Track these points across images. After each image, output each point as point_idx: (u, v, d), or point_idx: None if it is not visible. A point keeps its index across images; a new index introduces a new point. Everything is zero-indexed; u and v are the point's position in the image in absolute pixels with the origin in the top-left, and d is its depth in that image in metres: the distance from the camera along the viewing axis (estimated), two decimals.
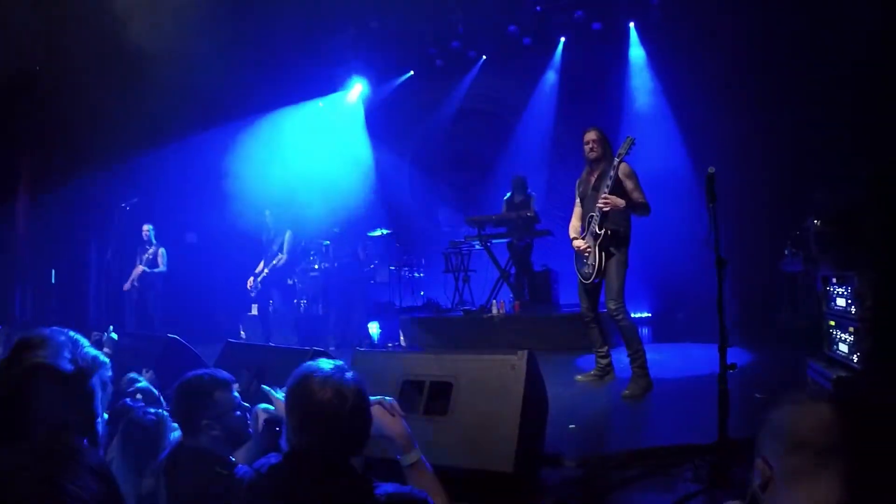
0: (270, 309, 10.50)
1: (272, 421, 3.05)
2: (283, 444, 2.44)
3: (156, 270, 10.83)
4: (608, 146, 6.61)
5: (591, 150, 6.58)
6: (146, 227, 11.02)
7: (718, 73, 10.15)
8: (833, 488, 1.51)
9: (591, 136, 6.61)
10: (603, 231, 6.31)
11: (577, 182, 6.89)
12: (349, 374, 2.31)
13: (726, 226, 4.54)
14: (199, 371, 3.17)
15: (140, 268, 10.67)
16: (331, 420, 2.20)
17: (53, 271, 11.08)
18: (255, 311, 11.57)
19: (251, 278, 10.12)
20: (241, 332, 11.46)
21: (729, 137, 9.58)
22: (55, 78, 11.29)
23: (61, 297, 11.16)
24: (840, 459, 1.52)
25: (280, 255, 9.79)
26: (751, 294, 8.83)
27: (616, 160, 6.29)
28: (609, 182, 6.26)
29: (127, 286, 10.76)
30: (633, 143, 6.26)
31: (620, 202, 6.17)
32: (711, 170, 4.14)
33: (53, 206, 12.10)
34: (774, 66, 9.67)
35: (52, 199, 12.18)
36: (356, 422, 2.27)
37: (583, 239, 6.59)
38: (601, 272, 6.39)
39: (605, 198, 6.20)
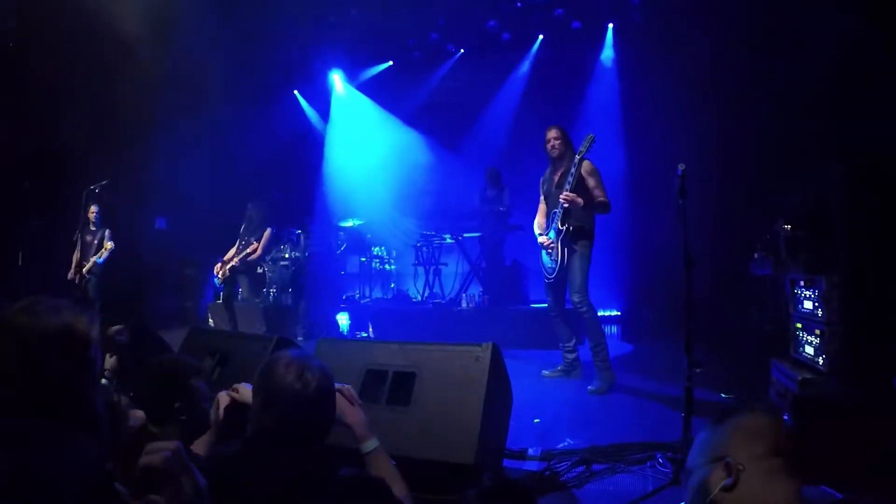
0: (239, 297, 10.40)
1: (233, 407, 3.01)
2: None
3: (100, 260, 10.43)
4: (570, 144, 6.70)
5: (553, 147, 6.67)
6: (92, 208, 10.65)
7: (691, 75, 10.18)
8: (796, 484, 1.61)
9: (552, 133, 6.70)
10: (565, 227, 6.38)
11: (542, 180, 6.98)
12: (315, 361, 2.35)
13: (696, 227, 4.56)
14: (173, 355, 3.13)
15: (92, 260, 10.34)
16: (293, 401, 2.23)
17: (20, 253, 10.86)
18: (221, 299, 11.48)
19: (218, 265, 9.92)
20: (210, 320, 11.34)
21: (701, 140, 9.59)
22: (30, 52, 11.13)
23: (31, 280, 10.95)
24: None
25: (255, 246, 9.63)
26: (719, 296, 8.86)
27: (577, 157, 6.37)
28: (570, 179, 6.34)
29: (72, 276, 10.47)
30: (593, 141, 6.35)
31: (580, 200, 6.25)
32: (682, 167, 4.15)
33: (21, 186, 11.94)
34: (745, 68, 9.73)
35: (21, 176, 12.01)
36: (320, 405, 2.30)
37: (546, 236, 6.65)
38: (564, 268, 6.46)
39: (565, 195, 6.27)
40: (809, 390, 4.37)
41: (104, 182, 10.08)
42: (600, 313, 11.62)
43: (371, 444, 2.67)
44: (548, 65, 12.91)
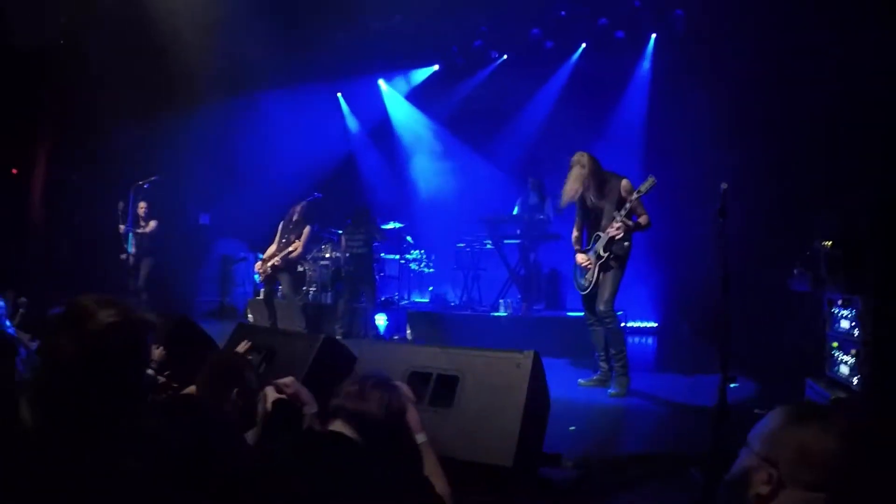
0: (279, 294, 10.57)
1: (281, 403, 3.16)
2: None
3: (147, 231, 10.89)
4: (599, 167, 6.77)
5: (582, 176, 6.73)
6: (142, 204, 11.00)
7: (730, 89, 10.20)
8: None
9: (577, 159, 6.82)
10: (607, 254, 6.59)
11: (580, 196, 6.93)
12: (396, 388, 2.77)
13: (734, 241, 4.58)
14: (228, 350, 3.34)
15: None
16: (374, 423, 2.58)
17: (67, 243, 11.16)
18: (262, 295, 11.68)
19: (259, 262, 10.08)
20: (249, 316, 11.56)
21: (742, 154, 9.60)
22: (77, 51, 11.43)
23: (75, 270, 11.24)
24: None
25: (296, 244, 9.78)
26: (757, 311, 8.84)
27: (635, 195, 6.46)
28: (624, 210, 6.49)
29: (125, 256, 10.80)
30: (653, 185, 6.39)
31: (631, 225, 6.46)
32: (724, 185, 4.20)
33: (70, 181, 12.27)
34: (786, 83, 9.72)
35: (70, 171, 12.33)
36: (392, 426, 2.70)
37: (586, 254, 6.83)
38: (596, 285, 6.67)
39: (618, 226, 6.48)
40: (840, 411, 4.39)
41: (152, 178, 10.31)
42: (636, 324, 11.78)
43: (421, 438, 2.87)
44: (588, 73, 12.93)
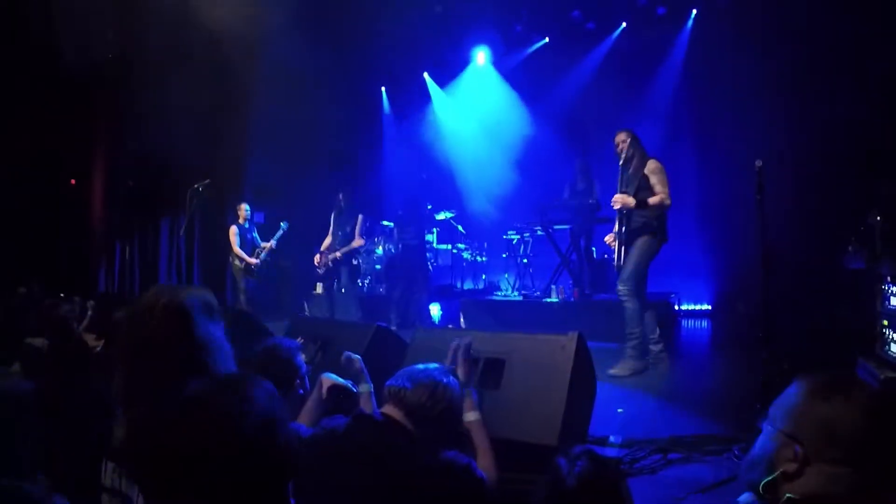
0: (335, 287, 10.75)
1: (335, 388, 3.35)
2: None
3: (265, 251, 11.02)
4: (638, 146, 6.86)
5: (622, 151, 6.87)
6: (244, 206, 11.16)
7: (782, 62, 10.06)
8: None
9: (620, 137, 6.94)
10: (622, 228, 6.69)
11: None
12: (451, 382, 2.89)
13: (787, 220, 4.61)
14: (287, 340, 3.55)
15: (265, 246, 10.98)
16: (421, 411, 2.73)
17: (128, 248, 11.53)
18: (319, 289, 11.91)
19: (318, 255, 10.21)
20: (306, 309, 11.81)
21: (796, 129, 9.50)
22: (129, 65, 11.81)
23: (137, 273, 11.63)
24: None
25: (358, 240, 9.88)
26: (808, 290, 8.75)
27: (648, 160, 6.66)
28: (634, 181, 6.62)
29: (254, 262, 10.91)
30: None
31: (630, 200, 6.52)
32: (759, 163, 4.22)
33: (127, 187, 12.68)
34: (837, 57, 9.57)
35: (126, 179, 12.75)
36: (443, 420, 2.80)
37: (612, 234, 6.94)
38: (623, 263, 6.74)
39: (615, 198, 6.68)
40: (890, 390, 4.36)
41: (206, 181, 10.53)
42: (690, 307, 11.72)
43: (474, 415, 3.11)
44: (629, 52, 12.91)
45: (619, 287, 6.65)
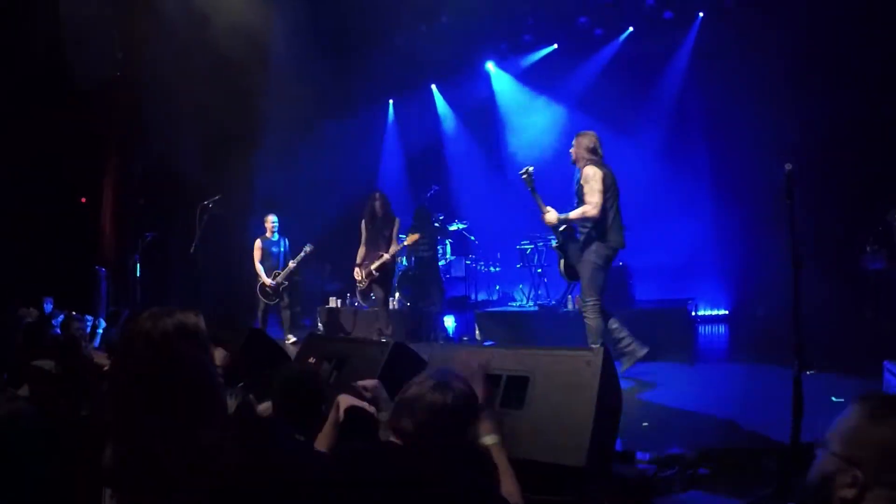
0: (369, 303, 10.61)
1: (354, 410, 3.21)
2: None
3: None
4: (583, 150, 6.79)
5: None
6: (271, 217, 10.85)
7: (792, 62, 9.98)
8: None
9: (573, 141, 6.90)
10: (557, 241, 6.88)
11: None
12: (457, 381, 2.57)
13: (805, 223, 4.49)
14: (305, 366, 3.46)
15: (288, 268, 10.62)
16: (431, 411, 2.43)
17: (138, 265, 11.47)
18: (332, 303, 11.81)
19: (357, 269, 9.73)
20: (319, 325, 11.68)
21: (808, 130, 9.39)
22: (137, 79, 11.83)
23: (147, 290, 11.56)
24: None
25: (395, 245, 9.48)
26: (832, 294, 8.63)
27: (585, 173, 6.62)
28: (578, 190, 6.69)
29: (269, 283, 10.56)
30: (526, 177, 6.77)
31: (550, 219, 6.71)
32: (788, 166, 4.12)
33: (136, 204, 12.67)
34: (842, 54, 9.48)
35: (136, 197, 12.74)
36: (455, 420, 2.49)
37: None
38: (570, 276, 6.96)
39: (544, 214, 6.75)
40: None
41: (216, 197, 10.42)
42: (707, 312, 11.58)
43: (492, 439, 2.85)
44: (636, 57, 12.80)
45: (579, 300, 6.81)
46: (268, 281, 10.50)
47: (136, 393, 2.00)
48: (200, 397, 2.03)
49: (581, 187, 6.57)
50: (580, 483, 3.23)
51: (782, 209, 4.19)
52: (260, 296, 10.63)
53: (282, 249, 10.74)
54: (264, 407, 3.22)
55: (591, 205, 6.44)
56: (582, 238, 6.65)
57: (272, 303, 10.60)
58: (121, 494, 1.99)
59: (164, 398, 1.96)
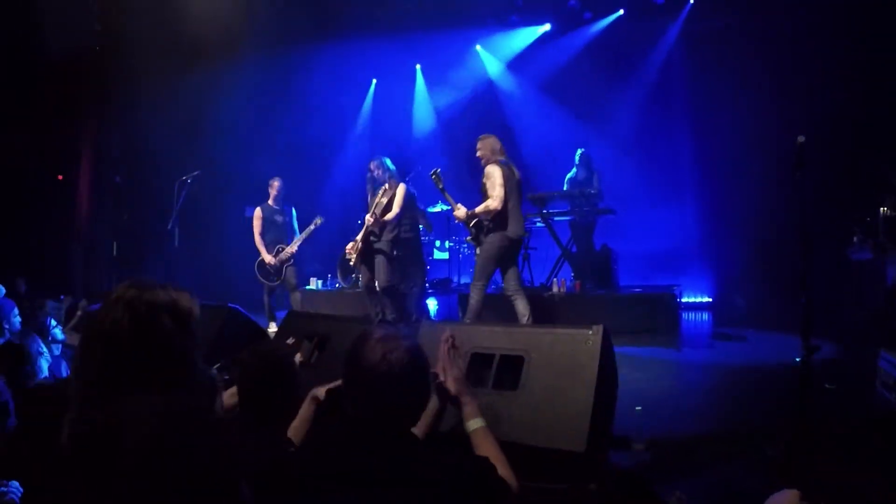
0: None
1: (332, 392, 3.02)
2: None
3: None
4: (487, 150, 7.33)
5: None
6: (276, 182, 9.66)
7: (782, 49, 9.95)
8: None
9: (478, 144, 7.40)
10: (471, 234, 7.35)
11: None
12: (405, 340, 2.20)
13: (791, 209, 4.45)
14: (270, 345, 3.22)
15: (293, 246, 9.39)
16: (378, 382, 2.10)
17: (115, 244, 11.24)
18: (313, 284, 11.57)
19: (351, 243, 8.47)
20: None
21: (795, 117, 9.31)
22: (112, 57, 11.57)
23: (125, 269, 11.36)
24: None
25: (393, 211, 8.15)
26: (815, 282, 8.59)
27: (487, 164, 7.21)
28: (483, 188, 7.16)
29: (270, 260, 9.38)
30: (435, 178, 7.41)
31: (459, 214, 7.34)
32: (801, 138, 4.02)
33: (113, 181, 12.44)
34: (838, 47, 9.45)
35: (113, 173, 12.50)
36: (408, 386, 2.16)
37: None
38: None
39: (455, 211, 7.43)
40: None
41: (196, 172, 10.03)
42: (689, 299, 11.53)
43: (476, 423, 2.60)
44: (627, 40, 12.74)
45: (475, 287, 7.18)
46: (269, 258, 9.36)
47: (105, 356, 1.84)
48: (175, 375, 1.87)
49: (484, 185, 7.06)
50: (577, 469, 3.08)
51: (762, 195, 4.12)
52: (259, 276, 9.54)
53: (287, 220, 9.66)
54: (229, 393, 2.98)
55: (493, 198, 6.94)
56: (487, 230, 7.13)
57: (273, 284, 9.45)
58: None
59: (135, 367, 1.82)
